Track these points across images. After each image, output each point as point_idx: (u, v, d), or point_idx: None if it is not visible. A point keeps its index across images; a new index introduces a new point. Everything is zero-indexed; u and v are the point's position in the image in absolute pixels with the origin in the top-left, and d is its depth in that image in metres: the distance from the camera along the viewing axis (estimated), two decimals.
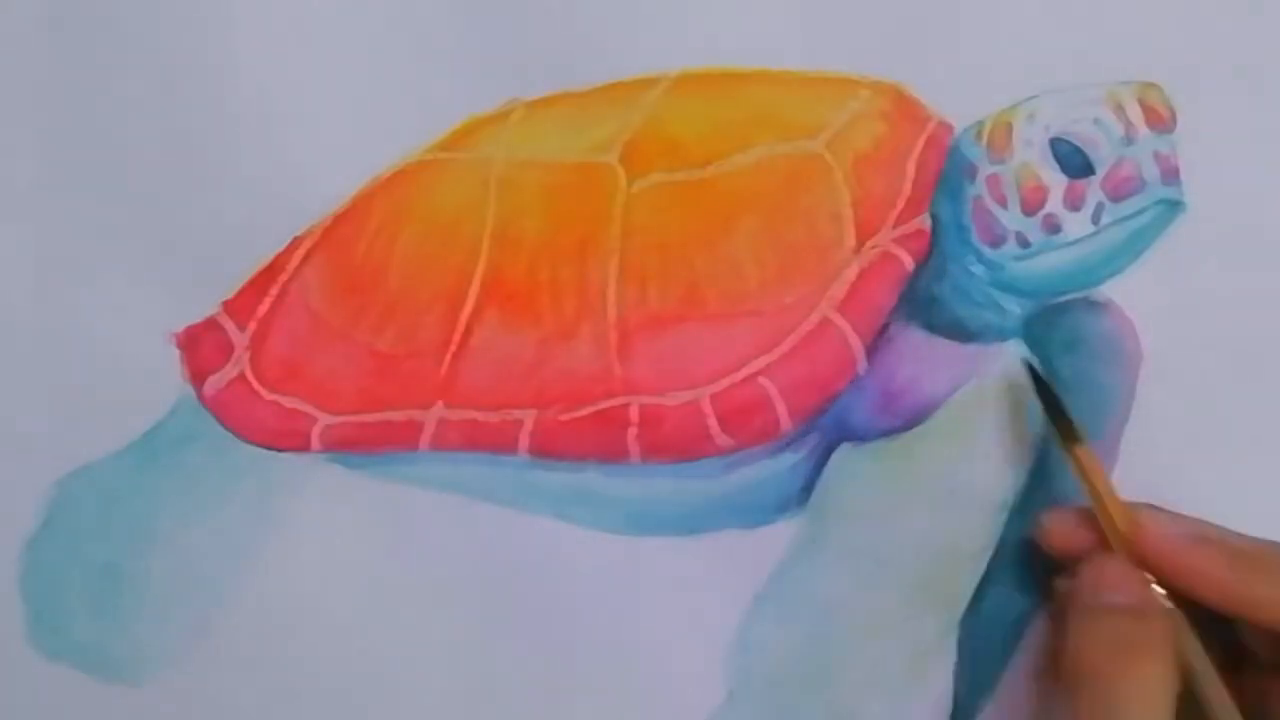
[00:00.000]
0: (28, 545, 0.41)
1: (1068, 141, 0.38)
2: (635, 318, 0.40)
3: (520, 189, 0.41)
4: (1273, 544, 0.35)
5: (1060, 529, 0.37)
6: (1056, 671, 0.34)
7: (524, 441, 0.40)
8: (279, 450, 0.41)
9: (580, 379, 0.40)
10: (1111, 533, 0.36)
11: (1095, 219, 0.38)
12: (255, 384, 0.41)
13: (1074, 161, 0.38)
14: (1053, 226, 0.38)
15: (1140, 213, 0.38)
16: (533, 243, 0.41)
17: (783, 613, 0.40)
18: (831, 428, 0.40)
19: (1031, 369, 0.39)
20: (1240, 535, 0.35)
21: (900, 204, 0.40)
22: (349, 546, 0.41)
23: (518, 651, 0.40)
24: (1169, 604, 0.34)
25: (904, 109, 0.41)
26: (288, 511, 0.41)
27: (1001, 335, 0.40)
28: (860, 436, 0.40)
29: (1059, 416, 0.37)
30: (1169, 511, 0.36)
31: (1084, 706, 0.33)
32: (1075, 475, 0.37)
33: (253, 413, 0.41)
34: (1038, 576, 0.38)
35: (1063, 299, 0.40)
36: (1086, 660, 0.33)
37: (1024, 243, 0.38)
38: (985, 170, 0.39)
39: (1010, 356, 0.40)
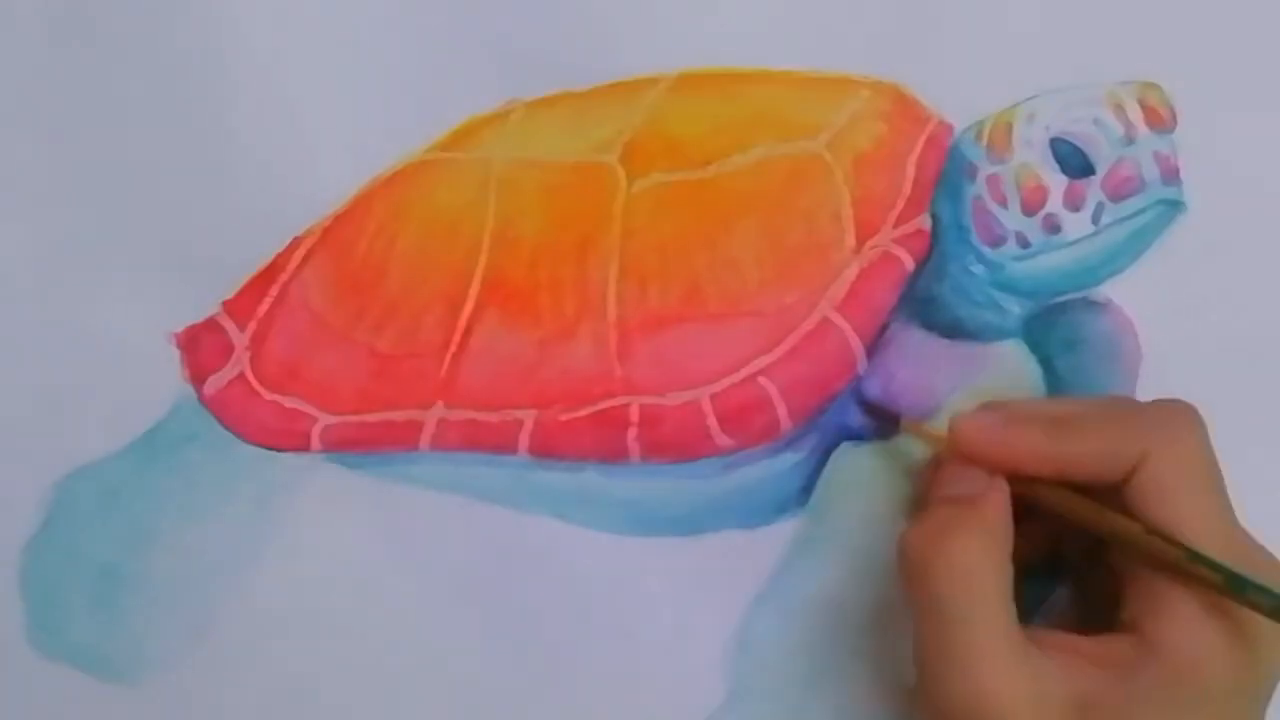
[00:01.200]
0: (28, 545, 0.41)
1: (1068, 141, 0.38)
2: (635, 318, 0.40)
3: (520, 189, 0.41)
4: (1093, 402, 0.37)
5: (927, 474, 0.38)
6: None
7: (524, 441, 0.40)
8: (279, 450, 0.41)
9: (580, 379, 0.40)
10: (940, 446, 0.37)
11: (1095, 219, 0.38)
12: (255, 384, 0.41)
13: (1074, 161, 0.38)
14: (1053, 226, 0.38)
15: (1140, 213, 0.38)
16: (533, 243, 0.41)
17: (783, 613, 0.40)
18: (831, 428, 0.40)
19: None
20: (1062, 401, 0.37)
21: (900, 204, 0.40)
22: (349, 546, 0.41)
23: (518, 651, 0.40)
24: (1000, 482, 0.35)
25: (904, 109, 0.41)
26: (288, 511, 0.41)
27: (1001, 335, 0.40)
28: (860, 436, 0.40)
29: (878, 413, 0.39)
30: (983, 406, 0.36)
31: (910, 594, 0.34)
32: (920, 442, 0.38)
33: (253, 413, 0.41)
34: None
35: (1063, 299, 0.40)
36: (910, 545, 0.34)
37: (1024, 243, 0.38)
38: (985, 170, 0.39)
39: (1011, 356, 0.40)
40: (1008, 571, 0.34)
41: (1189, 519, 0.33)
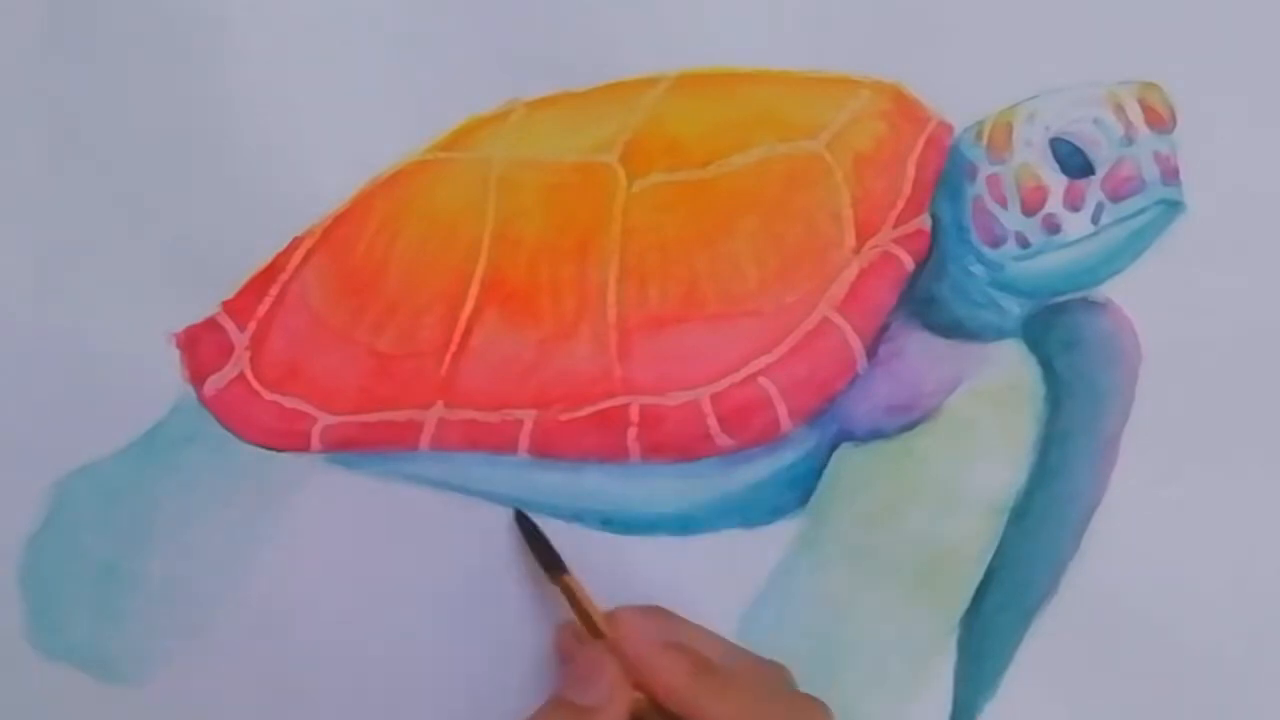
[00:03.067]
0: (28, 545, 0.41)
1: (1068, 141, 0.38)
2: (635, 318, 0.40)
3: (520, 189, 0.41)
4: (744, 659, 0.36)
5: (564, 641, 0.39)
6: None
7: (524, 441, 0.40)
8: (279, 450, 0.41)
9: (580, 379, 0.40)
10: (596, 636, 0.37)
11: (1095, 219, 0.38)
12: (255, 384, 0.41)
13: (1074, 161, 0.38)
14: (1053, 226, 0.38)
15: (1140, 213, 0.38)
16: (533, 243, 0.41)
17: (783, 613, 0.40)
18: (831, 428, 0.40)
19: (518, 515, 0.40)
20: (722, 645, 0.37)
21: (900, 204, 0.40)
22: (349, 546, 0.41)
23: (518, 651, 0.40)
24: (636, 694, 0.35)
25: (904, 109, 0.41)
26: (288, 511, 0.41)
27: (1001, 335, 0.40)
28: (860, 436, 0.40)
29: (540, 549, 0.39)
30: (654, 612, 0.37)
31: None
32: (565, 599, 0.38)
33: (253, 413, 0.41)
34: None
35: (1062, 299, 0.40)
36: None
37: (1024, 243, 0.38)
38: (985, 170, 0.39)
39: (1010, 357, 0.40)
40: None
41: None
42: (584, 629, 0.37)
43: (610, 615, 0.37)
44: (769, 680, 0.37)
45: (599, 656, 0.36)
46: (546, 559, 0.38)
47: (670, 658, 0.35)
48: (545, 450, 0.40)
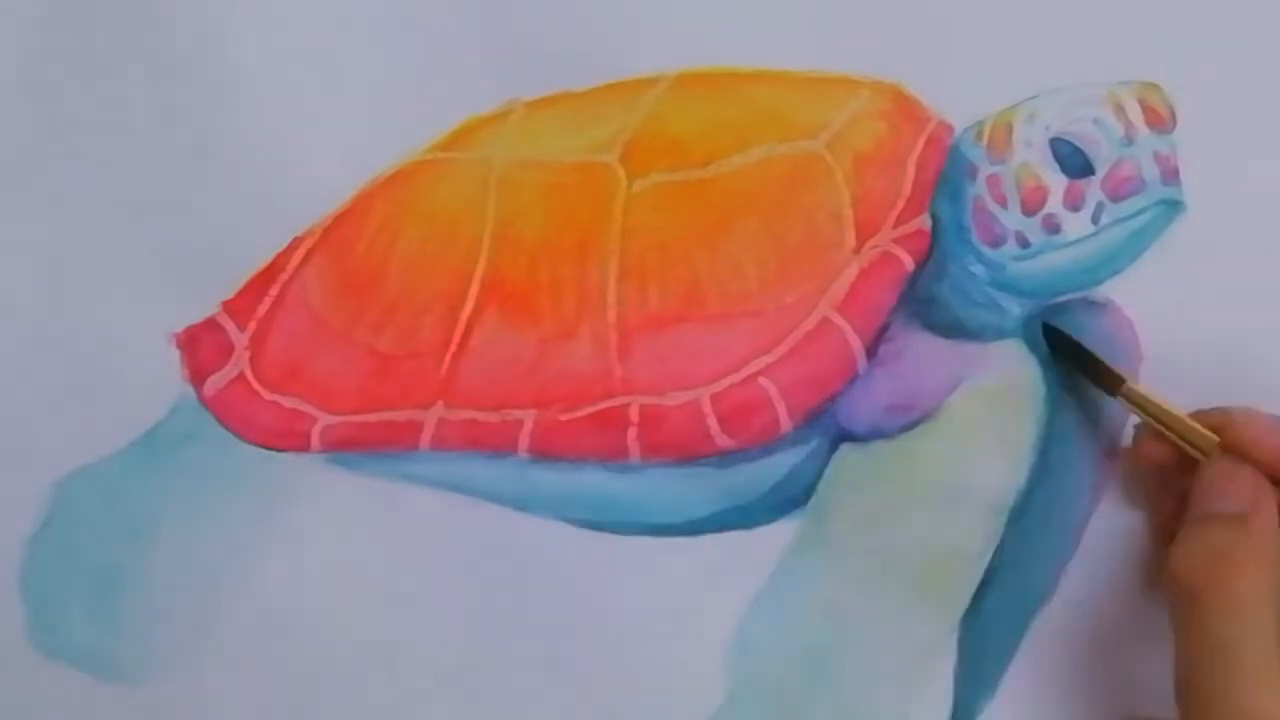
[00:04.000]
0: (28, 545, 0.41)
1: (1068, 141, 0.38)
2: (635, 318, 0.40)
3: (520, 189, 0.41)
4: None
5: (1148, 449, 0.38)
6: (1161, 580, 0.35)
7: (524, 441, 0.40)
8: (279, 450, 0.41)
9: (580, 379, 0.40)
10: (1196, 446, 0.36)
11: (1095, 219, 0.38)
12: (255, 384, 0.41)
13: (1074, 161, 0.38)
14: (1053, 226, 0.38)
15: (1140, 213, 0.38)
16: (533, 243, 0.41)
17: (783, 613, 0.40)
18: (831, 428, 0.40)
19: (1050, 330, 0.39)
20: None
21: (900, 204, 0.40)
22: (349, 546, 0.41)
23: (517, 651, 0.40)
24: (1269, 495, 0.34)
25: (904, 109, 0.41)
26: (288, 511, 0.41)
27: (1001, 335, 0.40)
28: (861, 436, 0.40)
29: (1095, 366, 0.38)
30: (1256, 411, 0.36)
31: (1178, 618, 0.34)
32: (1139, 416, 0.37)
33: (253, 413, 0.41)
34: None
35: (1063, 299, 0.40)
36: (1181, 572, 0.34)
37: (1024, 243, 0.38)
38: (985, 170, 0.39)
39: (1010, 356, 0.40)
40: (1278, 594, 0.33)
41: None
42: (1170, 442, 0.36)
43: (1217, 422, 0.36)
44: None
45: (1230, 464, 0.35)
46: (1104, 374, 0.38)
47: None
48: (545, 450, 0.40)
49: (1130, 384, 0.37)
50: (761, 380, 0.39)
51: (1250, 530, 0.34)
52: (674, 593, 0.40)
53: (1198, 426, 0.36)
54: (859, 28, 0.41)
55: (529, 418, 0.40)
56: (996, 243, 0.39)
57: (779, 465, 0.40)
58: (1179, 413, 0.37)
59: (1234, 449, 0.36)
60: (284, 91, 0.42)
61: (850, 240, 0.40)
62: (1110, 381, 0.38)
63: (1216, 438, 0.36)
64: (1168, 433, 0.37)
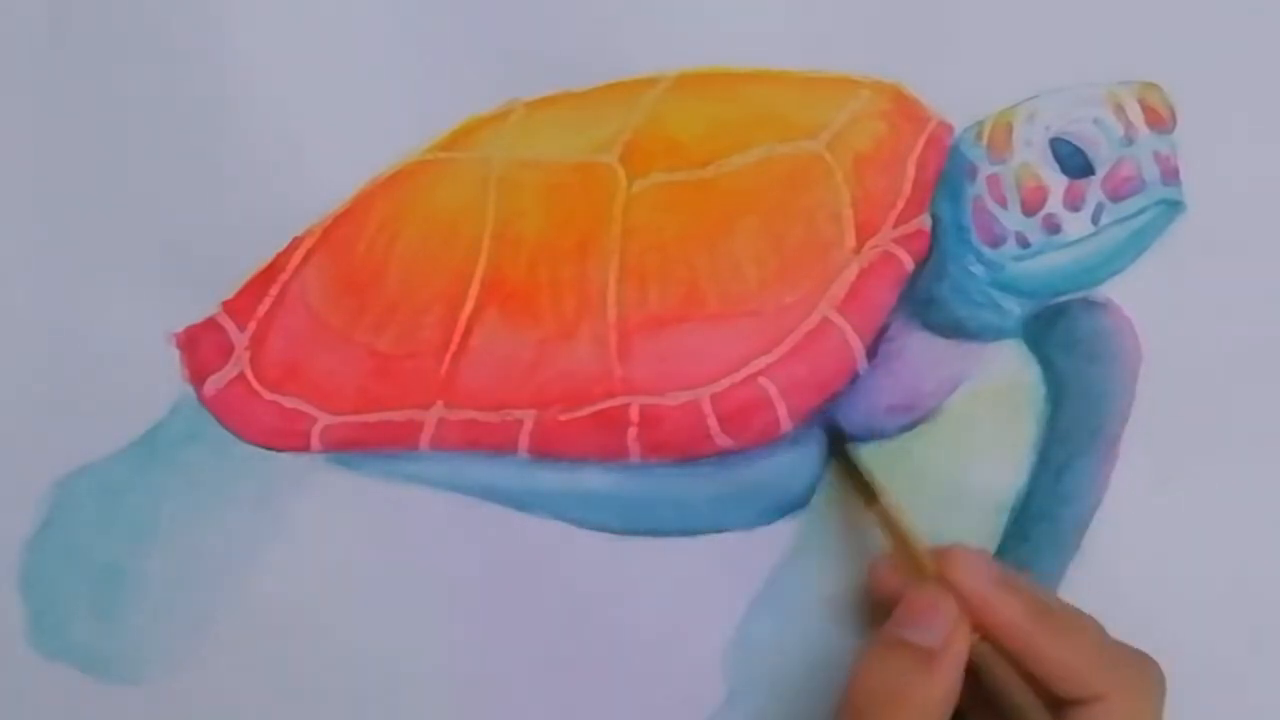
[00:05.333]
0: (28, 545, 0.41)
1: (1068, 141, 0.38)
2: (635, 318, 0.40)
3: (520, 189, 0.41)
4: (1073, 609, 0.36)
5: (882, 575, 0.38)
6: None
7: (524, 441, 0.40)
8: (279, 450, 0.41)
9: (580, 379, 0.40)
10: (920, 572, 0.36)
11: (1095, 219, 0.38)
12: (255, 384, 0.41)
13: (1074, 161, 0.38)
14: (1053, 226, 0.38)
15: (1140, 213, 0.38)
16: (533, 243, 0.41)
17: (783, 613, 0.40)
18: (831, 428, 0.40)
19: (834, 432, 0.39)
20: (1041, 588, 0.36)
21: (900, 204, 0.40)
22: (349, 546, 0.41)
23: (517, 651, 0.40)
24: (971, 634, 0.34)
25: (904, 109, 0.41)
26: (288, 511, 0.41)
27: (1001, 335, 0.40)
28: (860, 436, 0.40)
29: (855, 476, 0.38)
30: (983, 551, 0.37)
31: None
32: (881, 530, 0.37)
33: (253, 413, 0.41)
34: None
35: (1063, 299, 0.40)
36: (858, 690, 0.34)
37: (1024, 243, 0.38)
38: (985, 170, 0.39)
39: (1010, 356, 0.40)
40: None
41: None
42: (904, 564, 0.36)
43: (938, 552, 0.36)
44: (1095, 626, 0.36)
45: (936, 595, 0.35)
46: (861, 486, 0.38)
47: (1007, 595, 0.34)
48: (545, 450, 0.40)
49: (883, 502, 0.37)
50: (761, 380, 0.39)
51: (932, 672, 0.34)
52: (674, 593, 0.40)
53: (924, 553, 0.36)
54: (859, 28, 0.41)
55: (529, 418, 0.40)
56: (996, 243, 0.39)
57: (779, 465, 0.40)
58: (915, 536, 0.36)
59: (947, 578, 0.35)
60: (284, 91, 0.42)
61: (850, 240, 0.40)
62: (866, 495, 0.38)
63: (934, 566, 0.36)
64: (899, 551, 0.37)
